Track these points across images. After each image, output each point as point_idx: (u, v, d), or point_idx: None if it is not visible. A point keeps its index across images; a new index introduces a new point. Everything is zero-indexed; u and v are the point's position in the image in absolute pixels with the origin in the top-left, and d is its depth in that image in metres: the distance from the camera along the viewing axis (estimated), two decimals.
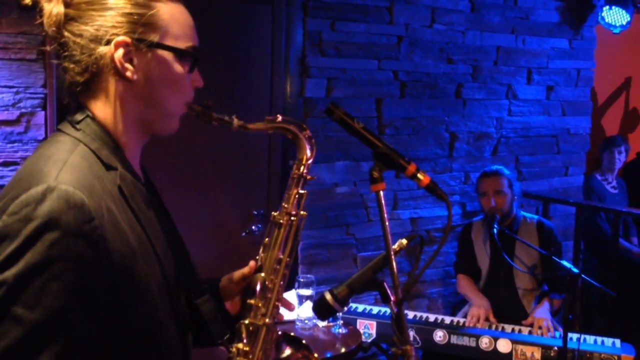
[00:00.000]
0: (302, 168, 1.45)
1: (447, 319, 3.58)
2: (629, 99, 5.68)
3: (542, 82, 4.63)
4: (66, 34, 1.20)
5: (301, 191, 1.44)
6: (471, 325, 3.50)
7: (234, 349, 1.34)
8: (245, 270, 1.48)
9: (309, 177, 1.45)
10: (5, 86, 2.80)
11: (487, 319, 3.56)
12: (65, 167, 1.12)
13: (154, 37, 1.22)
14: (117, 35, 1.19)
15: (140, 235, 1.20)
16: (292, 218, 1.43)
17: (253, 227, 3.62)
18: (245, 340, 1.34)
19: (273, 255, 1.41)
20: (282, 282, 1.42)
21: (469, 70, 4.28)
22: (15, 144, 2.83)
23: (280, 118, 1.42)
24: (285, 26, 3.60)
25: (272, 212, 1.44)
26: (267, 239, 1.43)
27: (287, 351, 1.51)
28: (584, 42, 4.78)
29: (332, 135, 3.70)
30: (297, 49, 3.63)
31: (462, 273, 3.97)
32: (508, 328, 3.48)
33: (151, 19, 1.22)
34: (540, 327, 3.45)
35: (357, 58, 3.82)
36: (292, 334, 1.56)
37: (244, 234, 3.61)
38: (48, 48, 1.24)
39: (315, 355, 1.51)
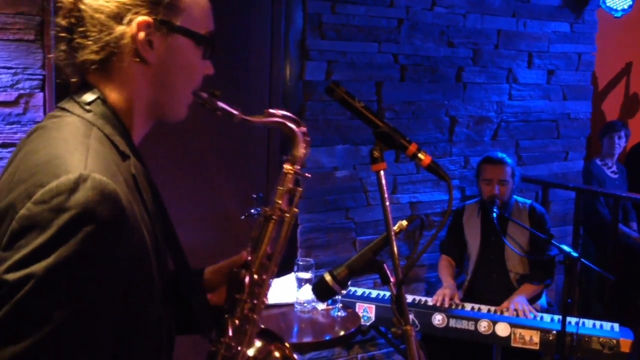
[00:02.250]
0: (295, 165, 1.43)
1: (446, 303, 3.59)
2: (629, 84, 5.66)
3: (542, 66, 4.61)
4: (83, 7, 1.14)
5: (294, 188, 1.42)
6: (438, 304, 3.52)
7: (219, 344, 1.32)
8: (236, 258, 1.44)
9: (302, 174, 1.43)
10: (4, 67, 2.78)
11: (452, 299, 3.59)
12: (91, 154, 1.06)
13: (176, 20, 1.18)
14: (139, 14, 1.14)
15: (149, 228, 1.15)
16: (286, 214, 1.41)
17: (252, 211, 3.61)
18: (230, 335, 1.32)
19: (262, 250, 1.39)
20: (270, 280, 1.40)
21: (469, 54, 4.25)
22: (14, 126, 2.82)
23: (279, 112, 1.41)
24: (285, 8, 3.58)
25: (264, 207, 1.42)
26: (255, 232, 1.41)
27: (257, 344, 1.47)
28: (585, 26, 4.75)
29: (331, 119, 3.68)
30: (297, 32, 3.61)
31: (445, 254, 3.98)
32: (507, 312, 3.49)
33: (174, 1, 1.17)
34: (515, 310, 3.48)
35: (358, 41, 3.80)
36: (263, 327, 1.51)
37: (242, 217, 3.60)
38: (62, 21, 1.16)
39: (288, 345, 1.50)
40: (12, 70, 2.80)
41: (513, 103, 4.51)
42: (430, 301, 3.61)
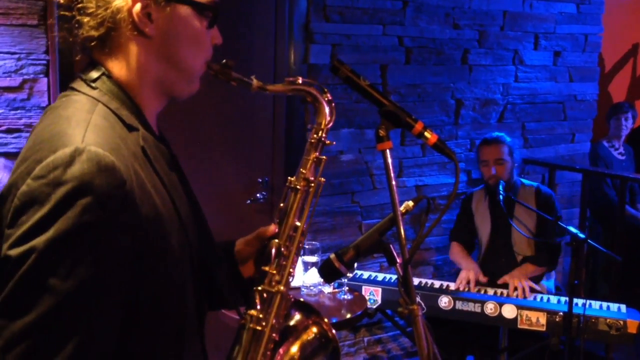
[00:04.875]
0: (320, 133, 1.38)
1: (452, 285, 3.59)
2: (636, 65, 5.63)
3: (549, 48, 4.57)
4: None
5: (319, 156, 1.38)
6: (461, 288, 3.52)
7: (247, 316, 1.30)
8: (263, 230, 1.43)
9: (327, 142, 1.39)
10: (7, 52, 2.77)
11: (477, 282, 3.59)
12: (90, 128, 1.07)
13: None
14: None
15: (165, 197, 1.16)
16: (311, 184, 1.37)
17: (258, 195, 3.62)
18: (259, 307, 1.30)
19: (289, 221, 1.36)
20: (297, 250, 1.37)
21: (475, 36, 4.22)
22: (19, 111, 2.81)
23: (300, 80, 1.37)
24: None
25: (289, 177, 1.38)
26: (282, 204, 1.38)
27: (297, 317, 1.48)
28: (592, 7, 4.70)
29: (336, 102, 3.58)
30: (301, 15, 3.58)
31: (456, 241, 3.98)
32: (513, 294, 3.49)
33: None
34: (516, 289, 3.47)
35: (362, 23, 3.77)
36: (301, 300, 1.52)
37: (248, 201, 3.60)
38: (63, 0, 1.17)
39: (326, 320, 1.48)
40: (16, 56, 2.79)
41: (519, 85, 4.48)
42: (436, 284, 3.60)
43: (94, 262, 1.00)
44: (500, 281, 3.58)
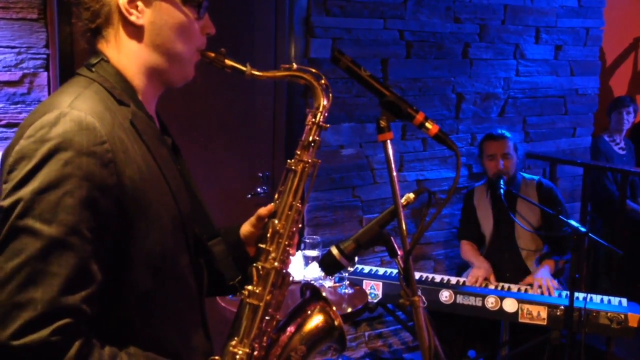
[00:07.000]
0: (318, 116, 1.44)
1: (453, 280, 3.59)
2: (637, 59, 5.61)
3: (550, 42, 4.56)
4: None
5: (315, 138, 1.44)
6: (469, 284, 3.52)
7: (245, 291, 1.37)
8: (262, 210, 1.49)
9: (324, 125, 1.45)
10: (7, 46, 2.77)
11: (487, 280, 3.57)
12: (79, 97, 1.19)
13: None
14: None
15: (153, 167, 1.25)
16: (306, 166, 1.44)
17: (258, 190, 3.62)
18: (255, 282, 1.37)
19: (287, 201, 1.43)
20: (293, 228, 1.43)
21: (476, 30, 4.21)
22: (19, 105, 2.81)
23: (295, 66, 1.43)
24: None
25: (288, 160, 1.45)
26: (282, 186, 1.45)
27: (307, 300, 1.54)
28: (593, 0, 4.69)
29: (337, 96, 3.65)
30: (302, 9, 3.57)
31: (465, 239, 3.97)
32: (514, 288, 3.49)
33: None
34: (540, 287, 3.46)
35: (363, 17, 3.76)
36: (313, 284, 1.58)
37: (249, 196, 3.60)
38: None
39: (334, 308, 1.52)
40: (16, 50, 2.79)
41: (520, 79, 4.47)
42: (437, 278, 3.60)
43: (75, 209, 1.10)
44: (524, 282, 3.55)
